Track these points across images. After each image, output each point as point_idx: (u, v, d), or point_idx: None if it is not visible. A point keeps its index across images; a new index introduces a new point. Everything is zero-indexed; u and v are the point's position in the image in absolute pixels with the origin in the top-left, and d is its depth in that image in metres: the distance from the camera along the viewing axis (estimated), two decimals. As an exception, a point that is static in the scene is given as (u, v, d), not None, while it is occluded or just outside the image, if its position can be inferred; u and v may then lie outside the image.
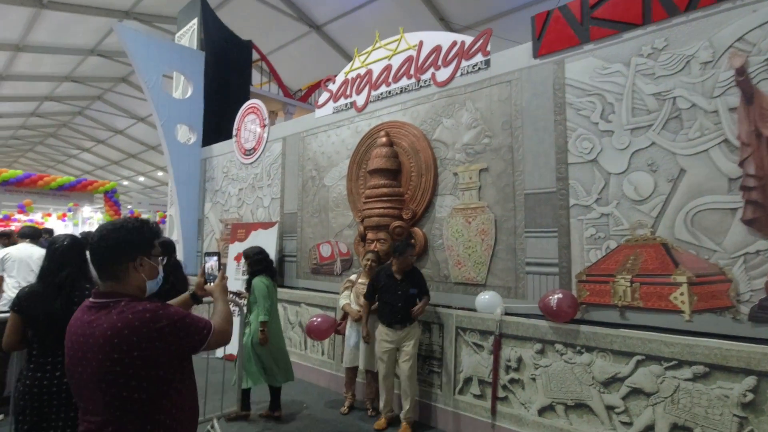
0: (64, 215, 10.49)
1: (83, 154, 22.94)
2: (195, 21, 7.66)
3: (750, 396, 2.30)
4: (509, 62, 3.63)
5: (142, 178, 25.61)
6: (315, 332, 3.96)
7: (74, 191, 9.01)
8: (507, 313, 3.36)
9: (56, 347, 2.10)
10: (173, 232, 7.52)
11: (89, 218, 12.03)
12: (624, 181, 2.97)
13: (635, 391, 2.67)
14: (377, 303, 3.72)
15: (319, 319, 4.04)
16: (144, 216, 15.65)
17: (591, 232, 3.09)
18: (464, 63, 3.93)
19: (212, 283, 1.84)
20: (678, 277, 2.71)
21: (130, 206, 16.00)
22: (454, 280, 3.84)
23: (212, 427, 3.30)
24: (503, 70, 3.66)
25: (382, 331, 3.66)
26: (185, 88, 7.47)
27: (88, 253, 1.47)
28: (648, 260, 2.83)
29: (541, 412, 3.07)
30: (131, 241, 1.40)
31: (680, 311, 2.69)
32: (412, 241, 4.10)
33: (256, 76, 9.70)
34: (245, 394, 3.76)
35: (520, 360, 3.21)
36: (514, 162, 3.53)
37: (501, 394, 3.29)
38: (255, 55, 8.81)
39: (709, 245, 2.63)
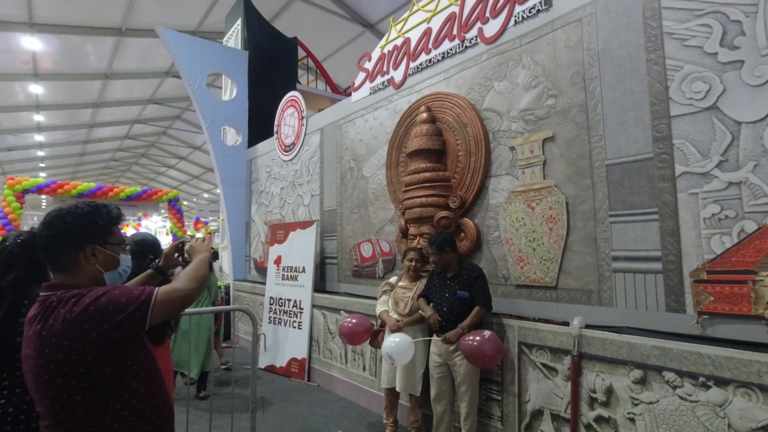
0: (139, 225, 11.06)
1: (170, 171, 24.76)
2: (239, 22, 7.54)
3: None
4: (578, -5, 2.77)
5: (218, 190, 27.18)
6: (348, 335, 3.37)
7: (141, 201, 9.37)
8: (588, 326, 2.50)
9: (1, 367, 1.70)
10: (224, 237, 7.41)
11: (162, 227, 12.66)
12: (766, 132, 2.00)
13: (808, 454, 1.70)
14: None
15: (353, 321, 3.42)
16: (213, 224, 16.32)
17: (712, 210, 2.14)
18: (518, 8, 3.12)
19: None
20: None
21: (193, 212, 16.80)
22: (516, 282, 3.02)
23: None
24: (570, 7, 2.80)
25: (433, 342, 2.97)
26: (232, 90, 7.34)
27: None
28: (816, 248, 1.84)
29: (646, 467, 2.16)
30: (79, 227, 1.25)
31: None
32: (462, 234, 3.34)
33: (304, 77, 9.50)
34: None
35: (610, 391, 2.33)
36: (590, 125, 2.65)
37: (584, 436, 2.43)
38: (301, 53, 8.55)
39: None
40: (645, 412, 2.19)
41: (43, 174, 20.46)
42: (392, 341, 2.91)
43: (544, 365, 2.67)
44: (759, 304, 1.96)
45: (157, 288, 1.25)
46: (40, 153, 17.34)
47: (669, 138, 2.30)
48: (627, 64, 2.49)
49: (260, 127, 6.98)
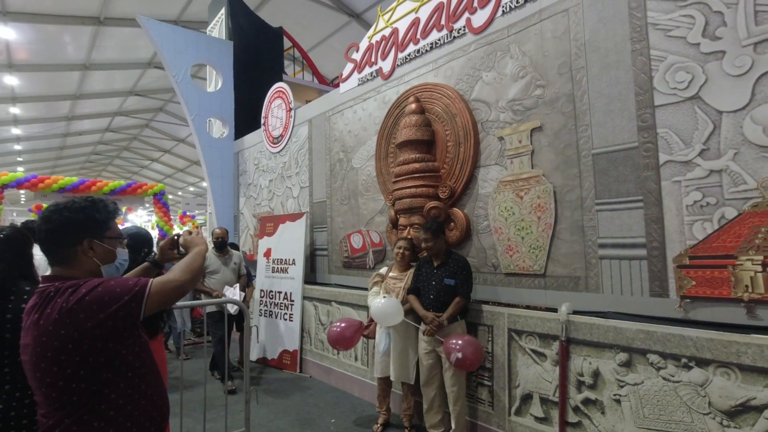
0: (120, 221, 10.85)
1: (153, 164, 24.29)
2: (223, 11, 7.39)
3: None
4: (565, -15, 2.79)
5: (205, 183, 26.79)
6: (339, 341, 3.33)
7: (126, 195, 9.17)
8: (576, 312, 2.56)
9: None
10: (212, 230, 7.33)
11: (148, 221, 12.44)
12: (745, 121, 2.06)
13: (783, 428, 1.79)
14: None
15: (342, 325, 3.40)
16: (199, 218, 16.12)
17: (695, 197, 2.21)
18: (506, -2, 3.13)
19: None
20: None
21: (179, 207, 16.55)
22: (505, 270, 3.07)
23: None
24: (557, -3, 2.83)
25: (422, 330, 3.02)
26: (217, 81, 7.22)
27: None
28: (792, 232, 1.91)
29: (631, 446, 2.25)
30: (77, 221, 1.28)
31: None
32: (452, 224, 3.38)
33: (290, 67, 9.38)
34: None
35: (597, 374, 2.40)
36: (577, 114, 2.70)
37: (572, 418, 2.50)
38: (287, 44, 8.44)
39: None
40: (630, 393, 2.27)
41: (21, 168, 19.92)
42: (379, 302, 3.01)
43: (534, 351, 2.73)
44: (738, 288, 2.04)
45: (151, 279, 1.27)
46: (17, 147, 16.85)
47: (653, 127, 2.36)
48: (613, 55, 2.53)
49: (247, 118, 6.90)
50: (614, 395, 2.33)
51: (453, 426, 2.91)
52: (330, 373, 4.47)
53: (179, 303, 4.91)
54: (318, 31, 10.10)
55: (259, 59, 7.44)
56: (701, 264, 2.17)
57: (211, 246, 4.53)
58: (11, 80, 10.74)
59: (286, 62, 8.65)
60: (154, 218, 11.91)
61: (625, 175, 2.46)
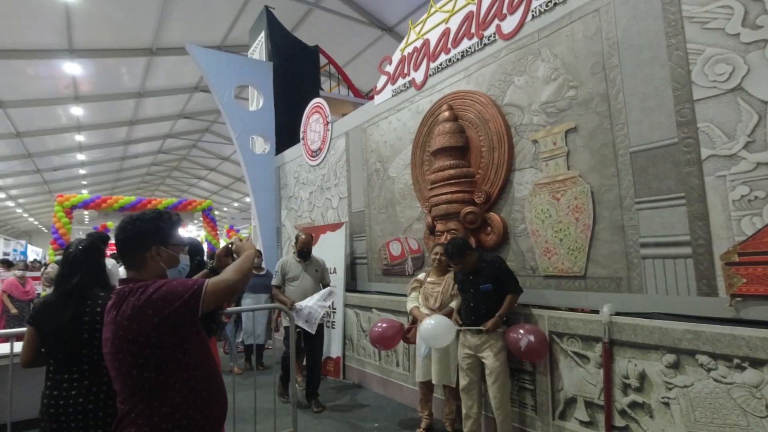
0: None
1: (201, 182, 25.66)
2: (262, 35, 7.81)
3: None
4: (594, -15, 2.79)
5: (248, 198, 27.90)
6: (379, 340, 3.44)
7: (177, 211, 9.78)
8: (619, 313, 2.51)
9: (71, 362, 1.88)
10: (257, 242, 7.66)
11: (197, 236, 13.14)
12: (792, 110, 1.99)
13: None
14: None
15: (384, 325, 3.51)
16: (244, 232, 16.78)
17: (741, 191, 2.13)
18: (535, 2, 3.15)
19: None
20: None
21: (225, 221, 17.26)
22: (544, 272, 3.05)
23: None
24: (587, -2, 2.83)
25: (461, 334, 3.04)
26: (258, 100, 7.61)
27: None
28: None
29: (683, 451, 2.17)
30: (146, 231, 1.46)
31: None
32: (488, 228, 3.40)
33: (327, 83, 9.71)
34: None
35: (643, 377, 2.34)
36: (612, 113, 2.67)
37: (619, 422, 2.44)
38: (323, 60, 8.76)
39: None
40: (680, 395, 2.19)
41: (84, 191, 21.63)
42: (429, 323, 2.99)
43: (576, 353, 2.69)
44: (794, 284, 1.95)
45: (207, 279, 1.41)
46: (82, 171, 18.33)
47: (693, 122, 2.30)
48: (647, 51, 2.50)
49: (287, 134, 7.21)
50: (663, 398, 2.26)
51: (499, 431, 2.90)
52: (372, 379, 4.55)
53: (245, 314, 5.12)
54: (352, 46, 10.42)
55: (296, 77, 7.77)
56: (752, 260, 2.09)
57: (294, 252, 4.31)
58: (77, 111, 11.76)
59: (322, 78, 8.97)
60: (203, 233, 12.59)
61: (666, 172, 2.41)
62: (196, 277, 1.87)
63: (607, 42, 2.71)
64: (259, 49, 7.97)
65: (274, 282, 4.24)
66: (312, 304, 3.97)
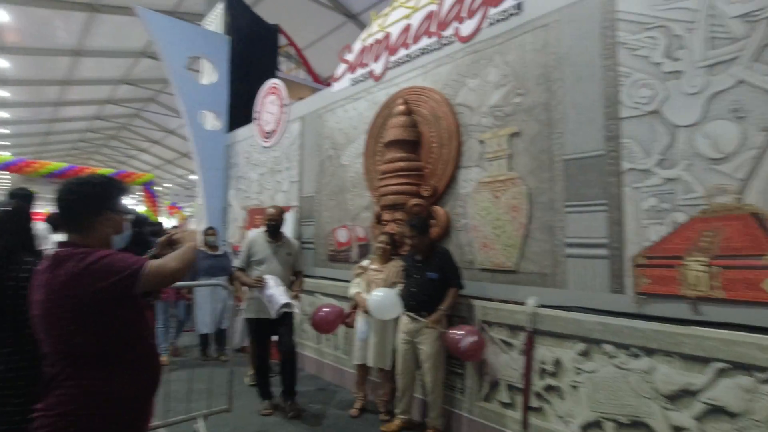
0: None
1: (142, 154, 24.10)
2: (221, 6, 7.49)
3: None
4: (546, 1, 2.99)
5: (192, 176, 26.62)
6: (321, 324, 3.51)
7: (114, 183, 9.19)
8: (544, 306, 2.76)
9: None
10: (202, 221, 7.40)
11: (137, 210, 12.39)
12: (697, 135, 2.28)
13: (715, 411, 2.00)
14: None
15: (326, 309, 3.59)
16: (186, 210, 16.08)
17: (651, 203, 2.42)
18: (492, 10, 3.32)
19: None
20: (777, 258, 2.00)
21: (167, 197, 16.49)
22: (480, 265, 3.26)
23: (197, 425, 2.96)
24: (539, 13, 3.03)
25: (401, 319, 3.18)
26: (212, 74, 7.31)
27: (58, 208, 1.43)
28: (732, 236, 2.13)
29: (585, 429, 2.45)
30: (97, 195, 1.44)
31: (780, 304, 1.99)
32: (433, 221, 3.56)
33: (285, 64, 9.50)
34: None
35: (558, 363, 2.60)
36: (552, 122, 2.90)
37: (534, 403, 2.70)
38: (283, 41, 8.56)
39: (825, 214, 1.91)
40: (586, 380, 2.47)
41: (6, 152, 19.65)
42: (378, 295, 3.10)
43: (503, 341, 2.92)
44: (685, 285, 2.25)
45: (149, 261, 1.42)
46: (4, 130, 16.64)
47: (618, 137, 2.57)
48: (585, 69, 2.74)
49: (239, 112, 7.00)
50: (572, 382, 2.53)
51: (430, 412, 3.08)
52: (311, 361, 4.61)
53: (199, 300, 4.98)
54: (314, 29, 10.24)
55: (254, 55, 7.54)
56: (656, 263, 2.38)
57: (263, 229, 3.64)
58: (2, 63, 10.66)
59: (280, 59, 8.76)
60: (143, 208, 11.92)
61: (592, 180, 2.67)
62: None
63: (553, 56, 2.93)
64: (216, 22, 7.63)
65: (237, 263, 3.68)
66: (277, 290, 3.36)
